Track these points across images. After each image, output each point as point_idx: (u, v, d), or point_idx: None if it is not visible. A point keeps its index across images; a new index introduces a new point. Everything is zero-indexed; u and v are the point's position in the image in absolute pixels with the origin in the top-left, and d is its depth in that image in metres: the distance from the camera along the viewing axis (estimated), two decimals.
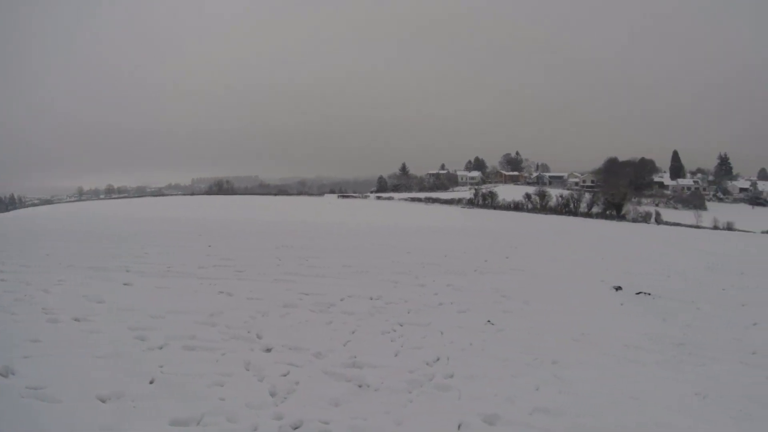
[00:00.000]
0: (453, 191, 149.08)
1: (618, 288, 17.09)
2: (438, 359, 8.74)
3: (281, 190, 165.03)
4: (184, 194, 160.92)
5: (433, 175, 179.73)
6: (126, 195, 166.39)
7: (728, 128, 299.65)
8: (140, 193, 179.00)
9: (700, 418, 7.33)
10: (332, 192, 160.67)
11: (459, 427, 6.45)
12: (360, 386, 7.35)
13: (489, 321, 11.48)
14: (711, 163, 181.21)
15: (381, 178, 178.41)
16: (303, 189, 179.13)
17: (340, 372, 7.76)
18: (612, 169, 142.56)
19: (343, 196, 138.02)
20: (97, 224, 31.26)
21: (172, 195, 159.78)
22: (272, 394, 6.82)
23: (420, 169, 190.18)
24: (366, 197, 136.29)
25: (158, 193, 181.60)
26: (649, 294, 16.39)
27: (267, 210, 69.36)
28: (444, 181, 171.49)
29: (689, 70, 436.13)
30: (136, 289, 11.94)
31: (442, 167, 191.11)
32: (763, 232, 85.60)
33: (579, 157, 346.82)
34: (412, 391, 7.35)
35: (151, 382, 6.75)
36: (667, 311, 14.38)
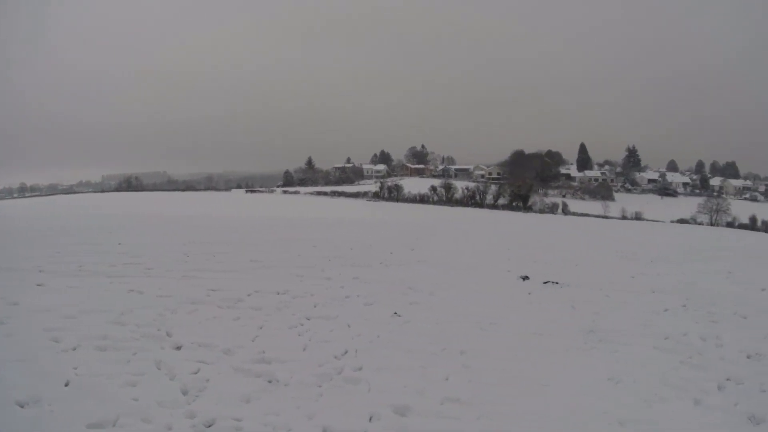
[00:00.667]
0: (359, 185, 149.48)
1: (525, 278, 17.13)
2: (346, 352, 8.85)
3: (189, 186, 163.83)
4: (95, 191, 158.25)
5: (338, 168, 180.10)
6: (39, 193, 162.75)
7: (638, 123, 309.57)
8: (52, 191, 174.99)
9: (614, 402, 7.58)
10: (239, 187, 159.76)
11: (370, 419, 6.61)
12: (270, 382, 7.44)
13: (396, 313, 11.59)
14: (619, 156, 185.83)
15: (287, 172, 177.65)
16: (210, 184, 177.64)
17: (249, 368, 7.82)
18: (518, 161, 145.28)
19: (251, 191, 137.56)
20: (10, 224, 30.41)
21: (83, 192, 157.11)
22: (184, 393, 6.85)
23: (326, 162, 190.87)
24: (273, 191, 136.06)
25: (70, 190, 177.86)
26: (557, 283, 16.50)
27: (175, 206, 68.36)
28: (350, 174, 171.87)
29: (611, 75, 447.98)
30: (50, 290, 11.61)
31: (348, 161, 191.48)
32: (672, 222, 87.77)
33: (486, 150, 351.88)
34: (322, 385, 7.47)
35: (66, 385, 6.68)
36: (576, 299, 14.47)
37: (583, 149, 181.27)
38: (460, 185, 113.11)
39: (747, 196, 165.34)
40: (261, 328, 9.88)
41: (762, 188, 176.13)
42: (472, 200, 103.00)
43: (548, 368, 8.85)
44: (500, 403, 7.27)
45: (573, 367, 9.01)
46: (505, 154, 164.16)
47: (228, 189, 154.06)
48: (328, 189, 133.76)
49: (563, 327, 11.54)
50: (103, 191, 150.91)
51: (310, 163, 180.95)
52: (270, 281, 13.97)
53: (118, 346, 8.21)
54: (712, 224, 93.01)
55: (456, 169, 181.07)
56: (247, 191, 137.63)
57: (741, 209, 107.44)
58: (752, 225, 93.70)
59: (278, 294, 12.61)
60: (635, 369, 9.04)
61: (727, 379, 8.81)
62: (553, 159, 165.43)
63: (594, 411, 7.24)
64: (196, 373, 7.51)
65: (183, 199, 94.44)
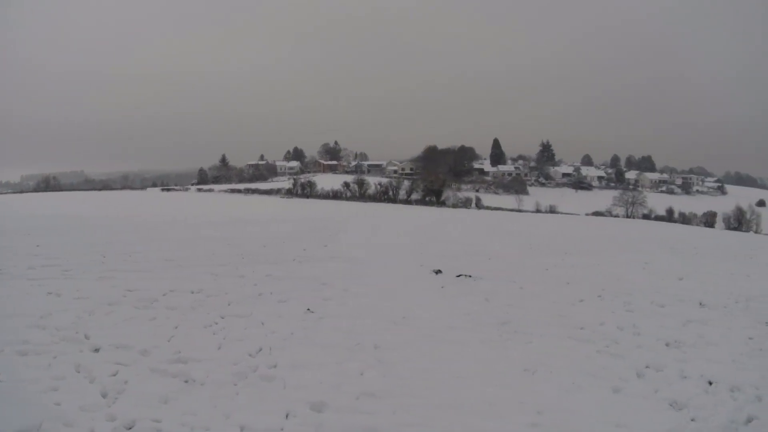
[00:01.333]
0: (272, 182, 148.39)
1: (438, 271, 17.13)
2: (260, 350, 8.83)
3: (106, 185, 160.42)
4: (14, 192, 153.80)
5: (252, 165, 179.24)
6: None
7: (554, 119, 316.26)
8: None
9: (531, 393, 7.68)
10: (155, 185, 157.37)
11: (287, 416, 6.63)
12: (186, 381, 7.42)
13: (309, 309, 11.60)
14: (533, 151, 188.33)
15: (202, 170, 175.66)
16: (126, 183, 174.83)
17: (166, 368, 7.78)
18: (431, 156, 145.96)
19: (166, 189, 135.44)
20: None
21: (2, 194, 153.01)
22: (104, 396, 6.79)
23: (240, 160, 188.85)
24: (187, 189, 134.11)
25: None
26: (470, 276, 16.46)
27: (92, 206, 66.87)
28: (263, 171, 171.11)
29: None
30: None
31: (262, 158, 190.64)
32: (587, 215, 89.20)
33: (399, 146, 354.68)
34: (238, 384, 7.46)
35: None
36: (490, 292, 14.46)
37: (496, 144, 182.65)
38: (373, 181, 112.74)
39: (664, 188, 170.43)
40: (176, 327, 9.78)
41: (679, 181, 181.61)
42: (385, 196, 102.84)
43: (463, 360, 8.89)
44: (416, 396, 7.33)
45: (488, 359, 9.05)
46: (419, 149, 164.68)
47: (144, 188, 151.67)
48: (242, 186, 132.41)
49: (477, 319, 11.57)
50: (22, 192, 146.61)
51: (224, 160, 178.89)
52: (185, 280, 13.86)
53: (39, 350, 8.10)
54: (628, 216, 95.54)
55: (369, 165, 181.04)
56: (162, 189, 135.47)
57: (658, 202, 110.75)
58: (669, 217, 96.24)
59: (193, 293, 12.52)
60: (551, 359, 9.14)
61: (647, 367, 9.03)
62: (467, 154, 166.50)
63: (511, 401, 7.32)
64: (114, 375, 7.43)
65: (100, 199, 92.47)
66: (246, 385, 7.46)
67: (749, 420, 7.33)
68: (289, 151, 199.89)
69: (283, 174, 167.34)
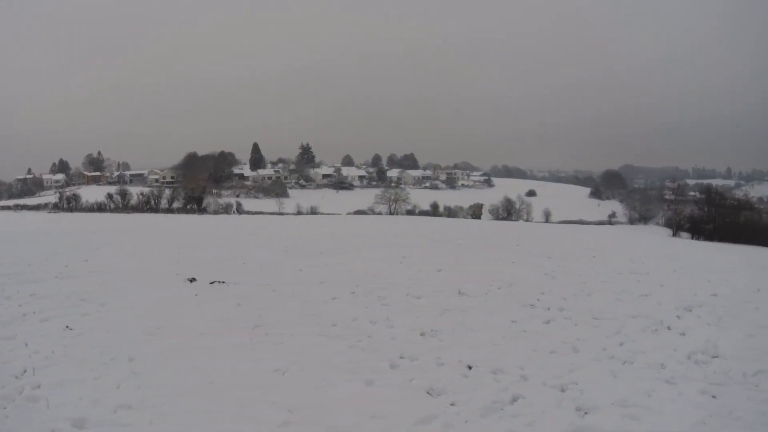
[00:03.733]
0: (40, 196, 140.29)
1: (192, 279, 16.56)
2: (25, 371, 8.37)
3: None
4: None
5: (21, 180, 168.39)
6: None
7: (314, 121, 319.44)
8: None
9: (282, 392, 7.71)
10: None
11: None
12: None
13: (68, 326, 11.01)
14: (294, 153, 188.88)
15: None
16: None
17: None
18: (192, 163, 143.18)
19: None
20: None
21: None
22: None
23: (9, 174, 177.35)
24: None
25: None
26: (224, 282, 16.09)
27: None
28: (31, 186, 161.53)
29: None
30: None
31: (29, 171, 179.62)
32: (348, 213, 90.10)
33: (161, 154, 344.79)
34: (7, 407, 7.11)
35: None
36: (242, 296, 14.13)
37: (256, 149, 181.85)
38: (136, 191, 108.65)
39: (427, 185, 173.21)
40: None
41: (443, 177, 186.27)
42: (148, 205, 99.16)
43: (215, 366, 8.80)
44: (171, 405, 7.25)
45: (240, 363, 8.98)
46: (180, 157, 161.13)
47: None
48: (11, 202, 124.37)
49: (229, 325, 11.35)
50: None
51: None
52: None
53: None
54: (391, 213, 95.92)
55: (131, 175, 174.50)
56: None
57: (422, 197, 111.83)
58: (434, 211, 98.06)
59: None
60: (302, 358, 9.15)
61: (401, 357, 9.19)
62: (227, 159, 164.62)
63: (263, 402, 7.35)
64: None
65: None
66: (14, 408, 7.12)
67: (515, 399, 7.60)
68: (54, 164, 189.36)
69: (49, 188, 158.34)
